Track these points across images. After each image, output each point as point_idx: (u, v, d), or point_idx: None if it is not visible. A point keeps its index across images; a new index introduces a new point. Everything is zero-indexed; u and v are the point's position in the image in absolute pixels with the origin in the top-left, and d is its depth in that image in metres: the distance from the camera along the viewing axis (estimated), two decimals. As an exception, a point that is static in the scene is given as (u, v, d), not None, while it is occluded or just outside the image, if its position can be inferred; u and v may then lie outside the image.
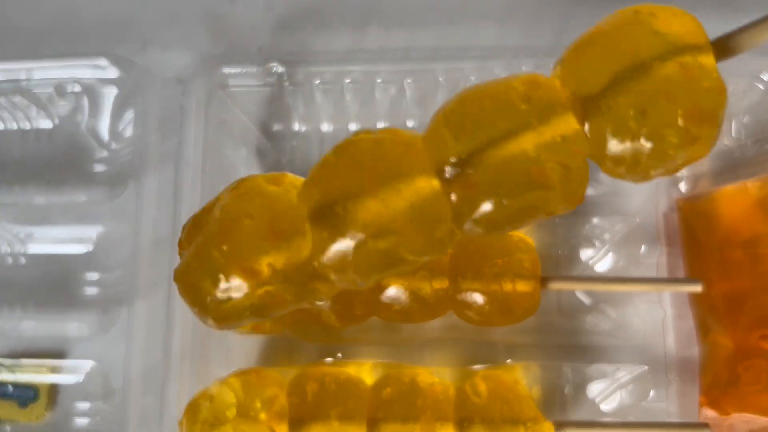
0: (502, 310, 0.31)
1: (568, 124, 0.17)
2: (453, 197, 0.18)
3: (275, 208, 0.19)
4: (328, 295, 0.20)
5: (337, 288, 0.20)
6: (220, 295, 0.19)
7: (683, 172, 0.35)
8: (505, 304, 0.31)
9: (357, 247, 0.18)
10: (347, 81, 0.35)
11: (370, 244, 0.18)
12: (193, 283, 0.20)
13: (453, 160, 0.17)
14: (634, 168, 0.17)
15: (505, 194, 0.17)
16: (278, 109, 0.36)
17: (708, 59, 0.17)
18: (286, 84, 0.36)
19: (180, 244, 0.22)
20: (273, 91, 0.36)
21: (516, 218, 0.18)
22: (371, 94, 0.35)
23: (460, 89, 0.34)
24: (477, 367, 0.33)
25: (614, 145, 0.17)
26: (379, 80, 0.35)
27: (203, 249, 0.19)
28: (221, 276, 0.19)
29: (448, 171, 0.18)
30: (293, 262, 0.19)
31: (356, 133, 0.20)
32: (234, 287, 0.18)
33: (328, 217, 0.18)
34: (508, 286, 0.31)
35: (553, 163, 0.17)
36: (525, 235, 0.33)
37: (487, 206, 0.18)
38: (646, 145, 0.17)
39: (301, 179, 0.21)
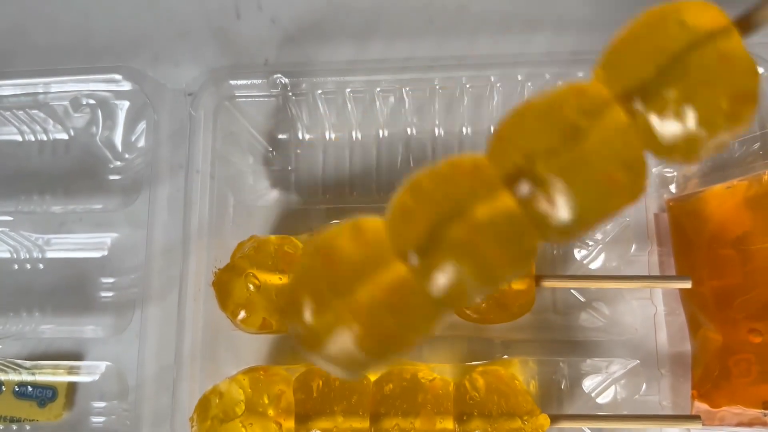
0: (498, 307, 0.33)
1: (619, 122, 0.19)
2: (530, 211, 0.19)
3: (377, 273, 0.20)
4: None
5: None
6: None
7: (673, 173, 0.36)
8: (501, 301, 0.32)
9: (458, 275, 0.19)
10: (348, 91, 0.36)
11: (468, 269, 0.19)
12: None
13: (521, 175, 0.19)
14: (687, 153, 0.19)
15: (580, 205, 0.18)
16: (283, 119, 0.38)
17: (735, 40, 0.18)
18: (291, 95, 0.37)
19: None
20: (278, 102, 0.37)
21: (594, 223, 0.19)
22: (372, 104, 0.37)
23: (456, 97, 0.36)
24: (475, 363, 0.34)
25: (666, 136, 0.18)
26: (378, 90, 0.36)
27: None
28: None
29: (520, 189, 0.19)
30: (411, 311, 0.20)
31: (420, 172, 0.21)
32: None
33: (430, 254, 0.19)
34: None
35: (616, 164, 0.18)
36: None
37: (564, 218, 0.19)
38: (695, 131, 0.18)
39: (376, 223, 0.21)
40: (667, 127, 0.18)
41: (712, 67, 0.18)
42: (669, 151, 0.19)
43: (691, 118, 0.18)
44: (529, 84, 0.35)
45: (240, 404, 0.32)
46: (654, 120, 0.18)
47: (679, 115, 0.18)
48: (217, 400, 0.32)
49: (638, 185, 0.19)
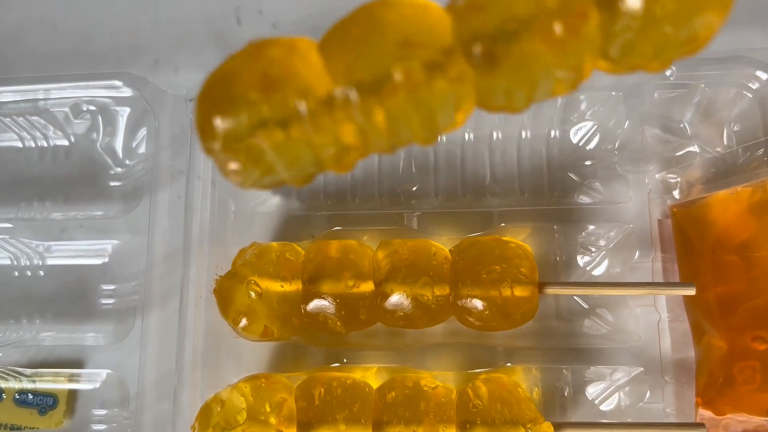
0: (501, 314, 0.32)
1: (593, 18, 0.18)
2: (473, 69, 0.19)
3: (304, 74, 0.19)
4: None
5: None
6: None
7: (677, 179, 0.36)
8: (504, 309, 0.32)
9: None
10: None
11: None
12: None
13: (478, 37, 0.18)
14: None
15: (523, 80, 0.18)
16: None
17: None
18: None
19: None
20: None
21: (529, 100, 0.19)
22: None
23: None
24: (478, 370, 0.34)
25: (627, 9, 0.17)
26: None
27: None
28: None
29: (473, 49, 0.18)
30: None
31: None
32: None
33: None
34: (506, 292, 0.32)
35: (566, 69, 0.18)
36: (523, 242, 0.34)
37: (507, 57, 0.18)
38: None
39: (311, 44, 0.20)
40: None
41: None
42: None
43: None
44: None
45: (242, 412, 0.32)
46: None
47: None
48: (219, 409, 0.32)
49: (575, 86, 0.19)
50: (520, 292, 0.32)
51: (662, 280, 0.35)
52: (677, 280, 0.35)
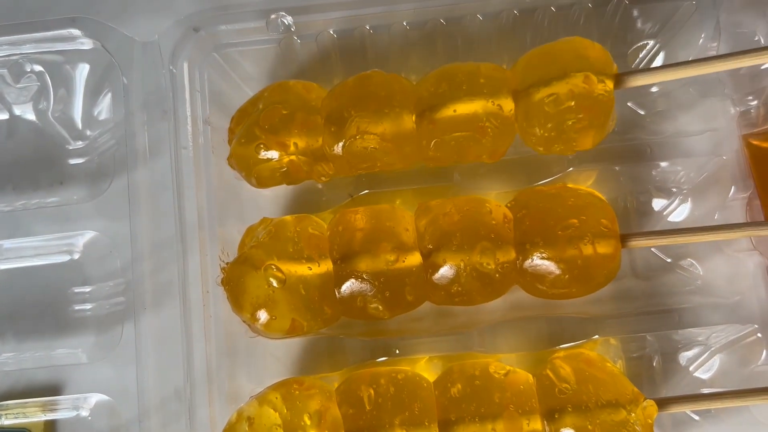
0: (581, 277, 0.28)
1: (506, 103, 0.28)
2: (421, 129, 0.29)
3: (304, 106, 0.30)
4: (328, 175, 0.31)
5: (335, 173, 0.31)
6: (260, 158, 0.29)
7: (755, 102, 0.31)
8: (584, 270, 0.27)
9: (350, 142, 0.29)
10: (367, 26, 0.31)
11: (359, 142, 0.29)
12: (242, 153, 0.29)
13: (427, 105, 0.29)
14: (542, 143, 0.28)
15: (454, 137, 0.28)
16: (287, 69, 0.33)
17: (609, 83, 0.28)
18: (295, 38, 0.31)
19: (230, 131, 0.30)
20: (280, 49, 0.32)
21: (455, 153, 0.29)
22: (394, 42, 0.32)
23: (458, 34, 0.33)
24: (562, 346, 0.30)
25: (530, 125, 0.28)
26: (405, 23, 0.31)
27: (251, 128, 0.29)
28: (262, 145, 0.29)
29: (423, 113, 0.29)
30: (310, 144, 0.30)
31: (373, 71, 0.30)
32: (269, 154, 0.29)
33: (336, 119, 0.29)
34: (587, 250, 0.27)
35: (490, 124, 0.28)
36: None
37: (440, 140, 0.29)
38: (551, 126, 0.28)
39: (325, 92, 0.31)
40: (533, 119, 0.28)
41: (579, 84, 0.27)
42: (529, 135, 0.29)
43: (551, 113, 0.28)
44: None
45: (276, 429, 0.27)
46: (527, 112, 0.28)
47: (544, 109, 0.27)
48: (247, 428, 0.27)
49: (497, 152, 0.29)
50: (602, 248, 0.27)
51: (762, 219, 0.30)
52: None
